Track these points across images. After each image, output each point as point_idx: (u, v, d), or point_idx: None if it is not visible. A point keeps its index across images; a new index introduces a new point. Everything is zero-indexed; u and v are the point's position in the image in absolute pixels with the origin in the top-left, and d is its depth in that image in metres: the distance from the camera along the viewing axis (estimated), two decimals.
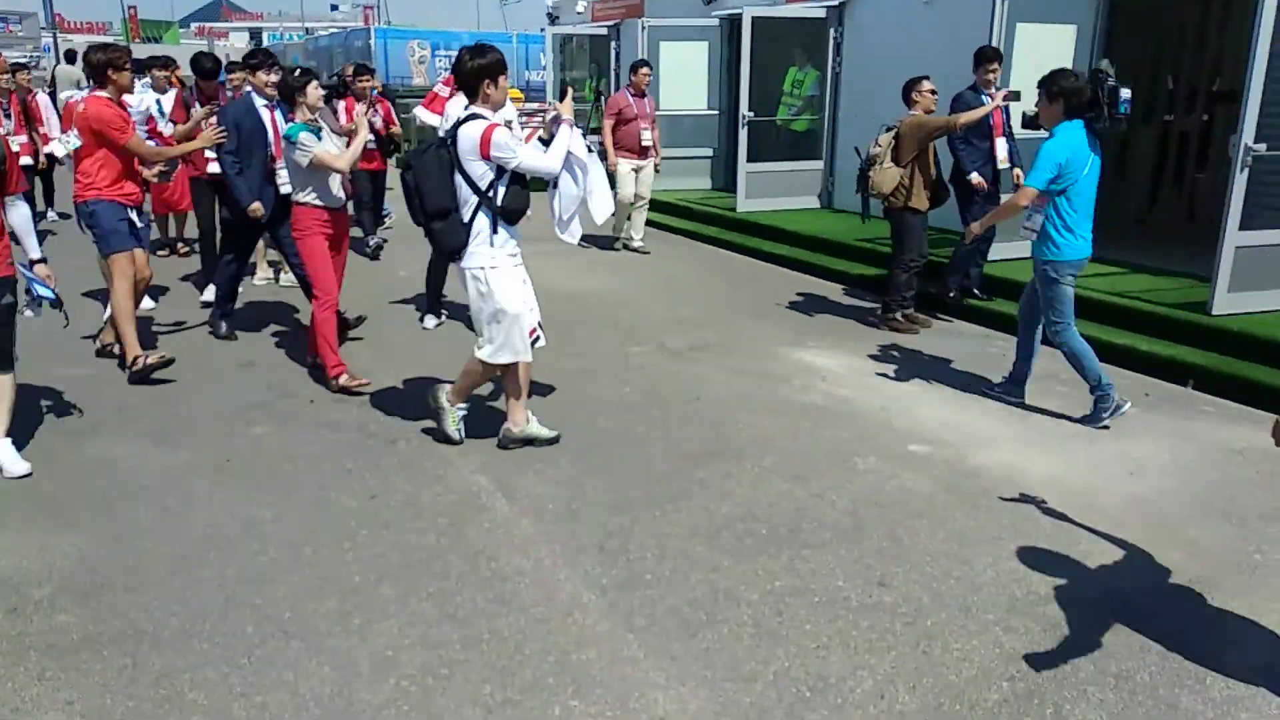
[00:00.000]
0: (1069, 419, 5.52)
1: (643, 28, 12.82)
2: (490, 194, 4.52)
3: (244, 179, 6.48)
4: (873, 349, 6.93)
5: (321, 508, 4.32)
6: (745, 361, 6.62)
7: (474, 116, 4.51)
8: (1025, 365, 5.75)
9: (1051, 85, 5.25)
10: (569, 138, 4.64)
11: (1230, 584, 3.75)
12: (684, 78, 13.09)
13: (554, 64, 16.29)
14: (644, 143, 10.12)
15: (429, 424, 5.13)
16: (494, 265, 4.60)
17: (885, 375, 6.36)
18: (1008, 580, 3.76)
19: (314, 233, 5.71)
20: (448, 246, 4.63)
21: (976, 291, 7.82)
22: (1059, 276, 5.32)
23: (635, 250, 10.50)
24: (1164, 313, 6.72)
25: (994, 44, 7.70)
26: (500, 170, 4.51)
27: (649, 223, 12.34)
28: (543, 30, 16.19)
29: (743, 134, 11.15)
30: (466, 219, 4.55)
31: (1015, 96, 6.89)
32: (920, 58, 9.60)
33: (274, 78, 6.52)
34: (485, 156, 4.45)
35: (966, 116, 6.89)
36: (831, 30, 11.19)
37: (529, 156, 4.55)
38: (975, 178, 7.28)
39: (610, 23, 15.46)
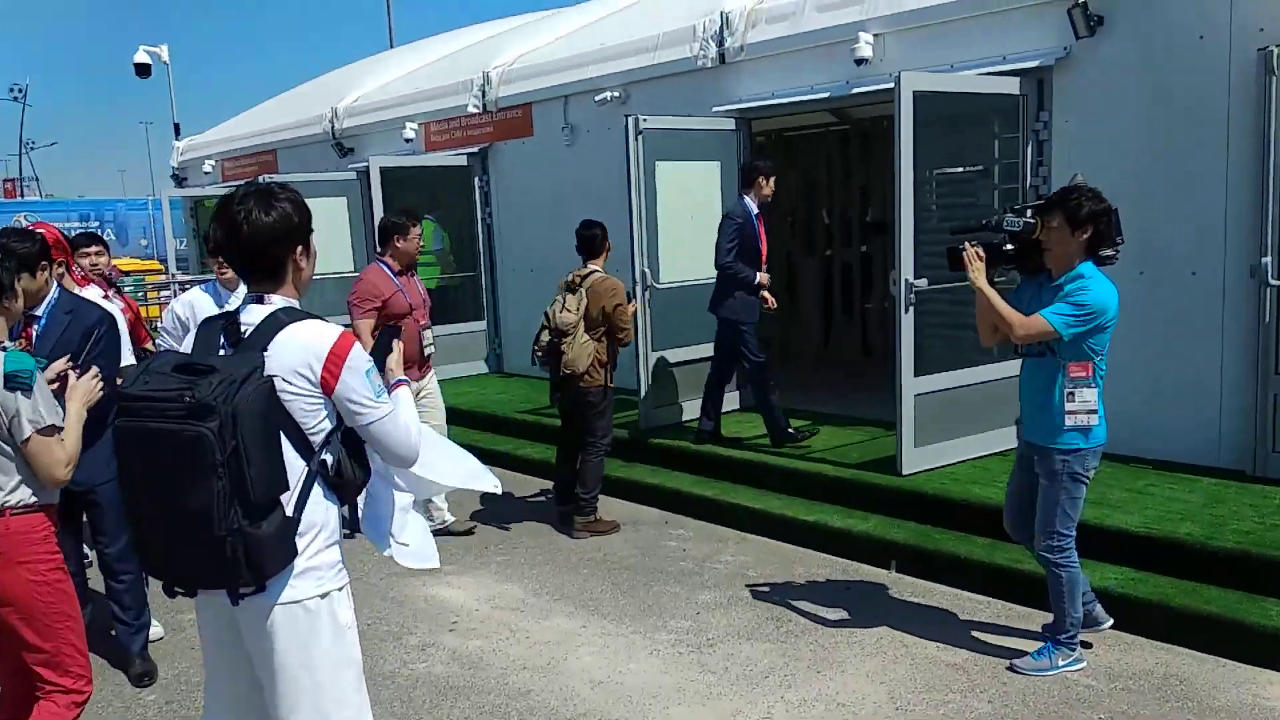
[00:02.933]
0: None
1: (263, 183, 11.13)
2: (323, 457, 2.36)
3: None
4: (529, 564, 5.45)
5: None
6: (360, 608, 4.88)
7: (291, 311, 2.34)
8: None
9: (1078, 205, 3.69)
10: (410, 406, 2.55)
11: None
12: (324, 238, 11.50)
13: (172, 232, 14.16)
14: (426, 348, 5.91)
15: None
16: (341, 585, 2.41)
17: (537, 607, 4.86)
18: None
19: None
20: (267, 571, 2.22)
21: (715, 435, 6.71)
22: (1084, 472, 3.87)
23: (459, 533, 6.07)
24: (852, 476, 5.78)
25: (634, 181, 6.80)
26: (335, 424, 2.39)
27: None
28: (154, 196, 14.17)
29: None
30: (292, 509, 2.28)
31: None
32: (571, 198, 8.72)
33: None
34: (329, 391, 2.31)
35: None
36: (476, 179, 10.12)
37: (405, 414, 2.45)
38: (762, 276, 6.43)
39: (241, 181, 13.65)
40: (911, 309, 5.55)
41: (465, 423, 8.51)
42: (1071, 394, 3.82)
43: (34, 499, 2.85)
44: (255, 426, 2.10)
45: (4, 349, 2.77)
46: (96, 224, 28.06)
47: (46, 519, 2.89)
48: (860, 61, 6.75)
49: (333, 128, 12.12)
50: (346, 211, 11.63)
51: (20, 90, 54.62)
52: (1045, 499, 3.92)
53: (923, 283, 5.55)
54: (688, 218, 7.21)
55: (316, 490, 2.30)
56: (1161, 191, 5.57)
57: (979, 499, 5.21)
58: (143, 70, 15.71)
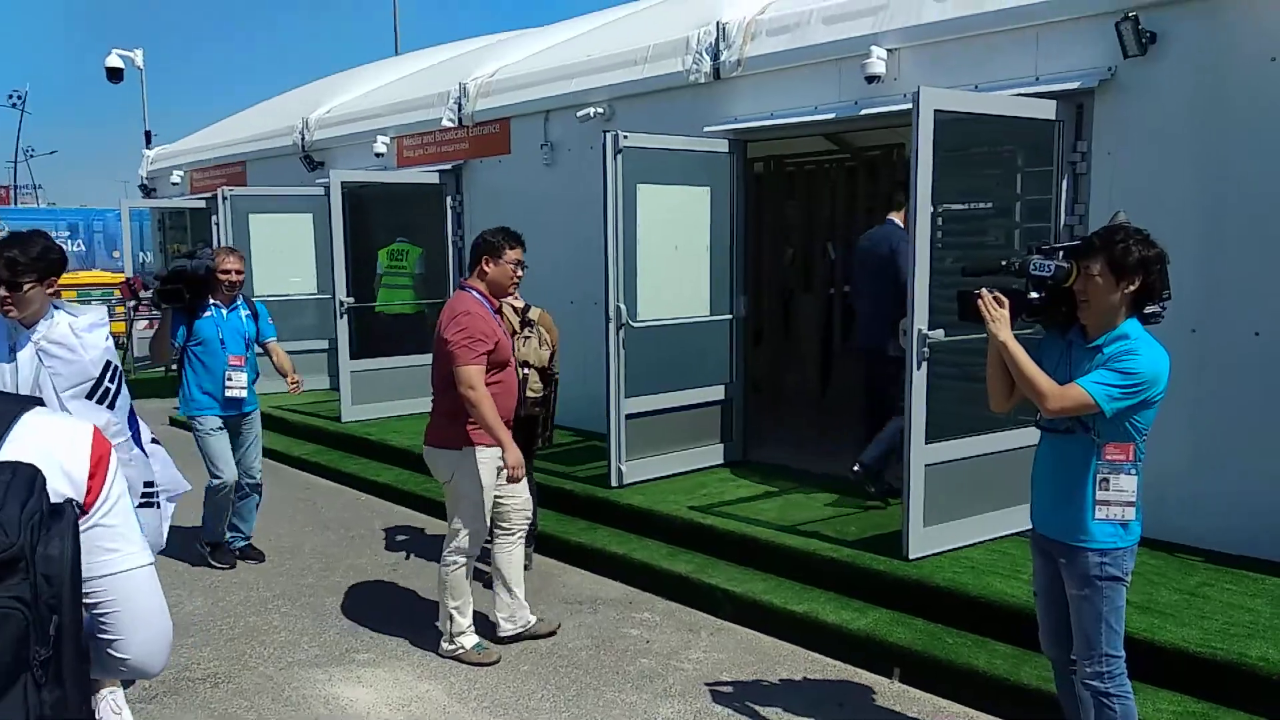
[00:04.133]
0: None
1: (223, 198, 10.35)
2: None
3: None
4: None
5: None
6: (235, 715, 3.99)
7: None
8: None
9: (1124, 250, 2.90)
10: None
11: None
12: (285, 257, 10.70)
13: (136, 243, 13.31)
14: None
15: None
16: None
17: (459, 718, 3.97)
18: None
19: None
20: None
21: None
22: (1126, 575, 3.04)
23: (543, 635, 4.83)
24: (849, 557, 4.90)
25: (611, 205, 5.99)
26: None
27: None
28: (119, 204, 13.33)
29: (341, 324, 8.83)
30: None
31: None
32: (549, 222, 7.91)
33: None
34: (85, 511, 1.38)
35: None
36: (449, 198, 9.31)
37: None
38: None
39: (207, 194, 12.86)
40: (925, 364, 4.71)
41: (421, 469, 7.65)
42: (1105, 481, 2.98)
43: None
44: (74, 590, 1.23)
45: None
46: (84, 234, 27.24)
47: None
48: (872, 79, 5.96)
49: (303, 140, 11.35)
50: (312, 229, 10.86)
51: (20, 97, 54.07)
52: (1083, 613, 3.05)
53: (938, 334, 4.71)
54: (671, 248, 6.40)
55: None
56: (1219, 237, 4.76)
57: (1000, 596, 4.34)
58: (114, 74, 14.96)
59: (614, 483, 6.25)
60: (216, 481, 5.58)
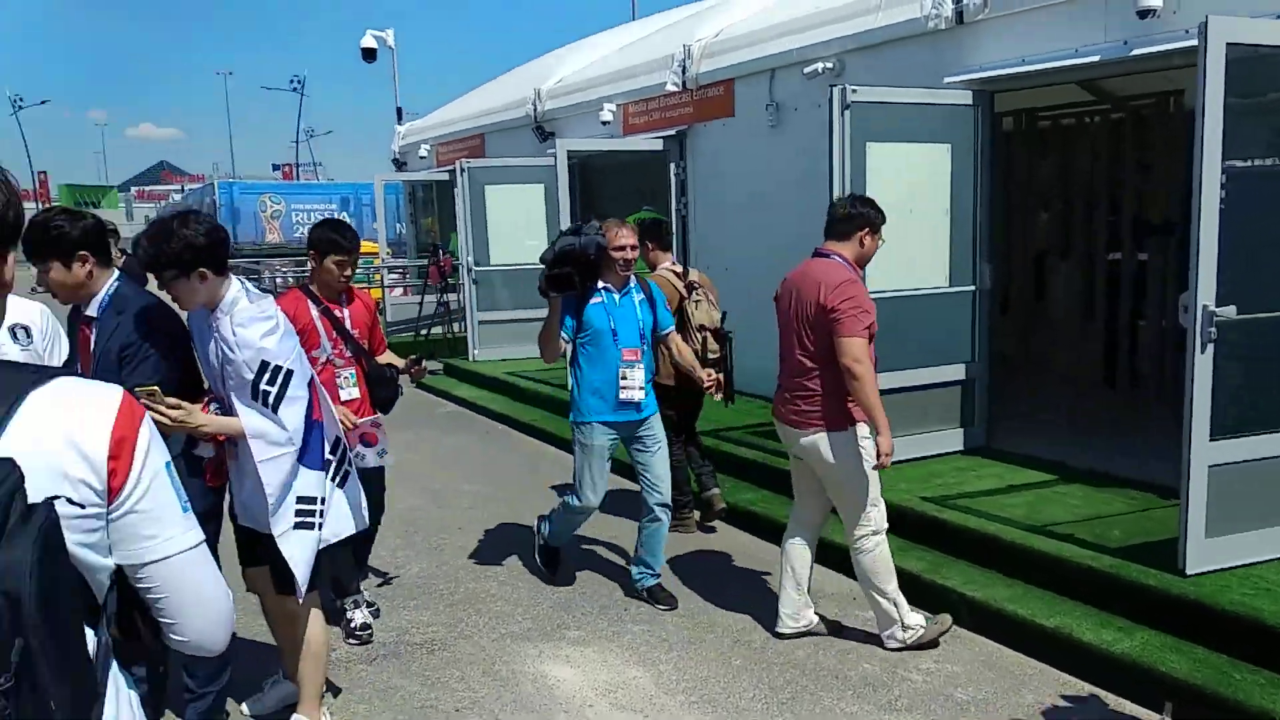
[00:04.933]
0: None
1: (462, 170, 10.70)
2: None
3: None
4: (671, 642, 4.38)
5: None
6: (440, 696, 4.01)
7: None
8: None
9: None
10: None
11: None
12: (519, 227, 10.95)
13: (392, 215, 14.12)
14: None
15: None
16: None
17: (667, 709, 3.78)
18: None
19: None
20: None
21: None
22: None
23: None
24: (1112, 567, 4.27)
25: (838, 165, 5.55)
26: None
27: (460, 401, 9.96)
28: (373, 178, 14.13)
29: None
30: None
31: None
32: (773, 186, 7.57)
33: None
34: (112, 500, 1.29)
35: None
36: (672, 164, 9.13)
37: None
38: None
39: (450, 167, 13.43)
40: (1210, 347, 4.00)
41: None
42: None
43: None
44: (43, 602, 1.07)
45: None
46: (354, 206, 29.02)
47: None
48: (1145, 13, 5.15)
49: (534, 111, 11.54)
50: (543, 200, 11.03)
51: (299, 81, 59.62)
52: None
53: (1229, 311, 3.98)
54: (905, 211, 5.85)
55: (115, 678, 1.27)
56: None
57: None
58: (368, 54, 15.92)
59: None
60: (578, 504, 4.78)
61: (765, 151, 7.96)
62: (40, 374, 1.22)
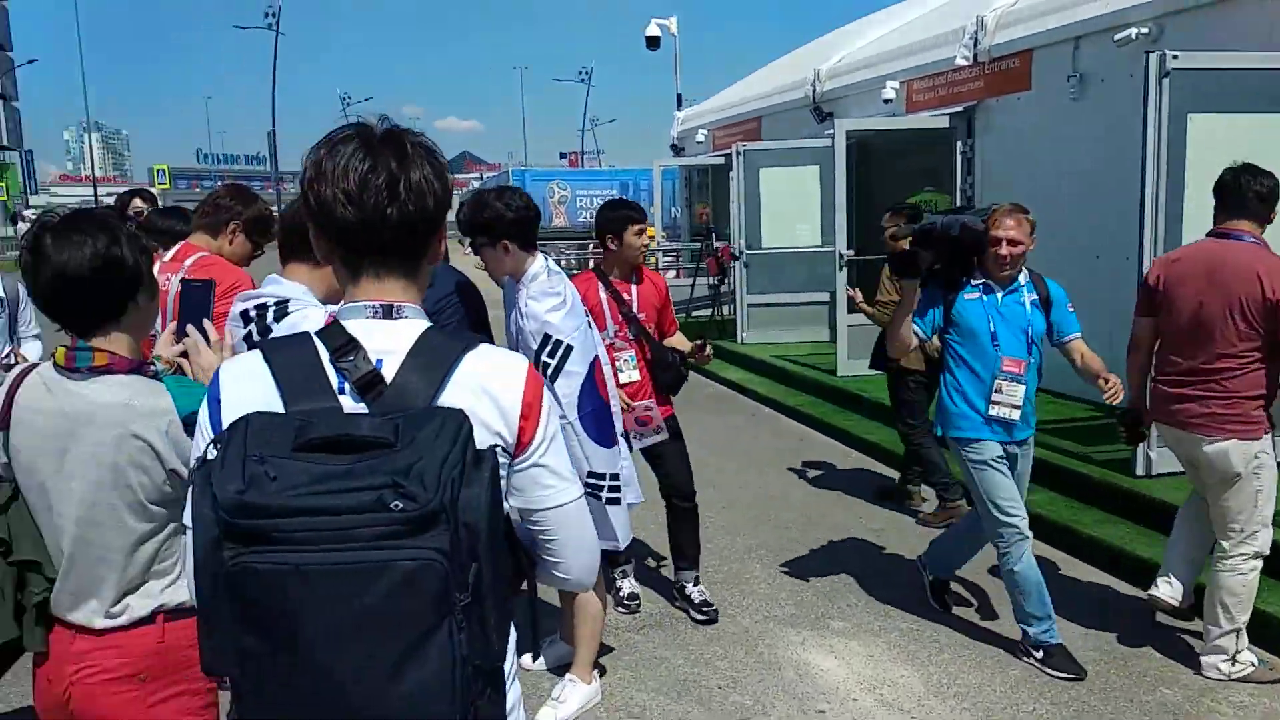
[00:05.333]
0: None
1: (737, 153, 10.77)
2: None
3: None
4: (943, 643, 4.20)
5: None
6: (703, 672, 4.08)
7: (443, 331, 1.52)
8: None
9: None
10: None
11: None
12: (793, 209, 10.87)
13: (668, 199, 14.47)
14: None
15: None
16: None
17: (936, 714, 3.63)
18: None
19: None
20: None
21: None
22: None
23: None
24: None
25: (1153, 138, 5.03)
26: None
27: (727, 383, 10.02)
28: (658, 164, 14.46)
29: (840, 277, 8.71)
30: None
31: None
32: (1074, 166, 7.02)
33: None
34: (520, 453, 1.43)
35: None
36: (958, 143, 8.67)
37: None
38: None
39: (726, 151, 13.56)
40: None
41: None
42: None
43: None
44: (491, 535, 1.23)
45: (157, 375, 1.89)
46: (631, 192, 29.92)
47: None
48: None
49: (813, 91, 11.39)
50: (818, 182, 10.88)
51: (586, 72, 62.66)
52: None
53: None
54: None
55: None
56: None
57: None
58: (652, 43, 16.38)
59: (1139, 471, 5.34)
60: (1009, 529, 3.85)
61: (1065, 126, 7.37)
62: (470, 341, 1.40)
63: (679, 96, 17.11)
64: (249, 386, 1.33)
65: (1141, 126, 5.06)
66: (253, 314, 2.34)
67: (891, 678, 3.91)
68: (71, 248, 1.79)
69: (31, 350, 4.20)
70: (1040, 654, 3.88)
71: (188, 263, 3.33)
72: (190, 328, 2.09)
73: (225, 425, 1.26)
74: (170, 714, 1.90)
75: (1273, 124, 5.25)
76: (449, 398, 1.31)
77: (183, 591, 1.88)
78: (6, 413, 1.88)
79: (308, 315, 2.24)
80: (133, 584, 1.87)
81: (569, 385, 3.24)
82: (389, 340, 1.34)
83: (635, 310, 4.32)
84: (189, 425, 1.76)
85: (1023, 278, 3.95)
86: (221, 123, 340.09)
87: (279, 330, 2.27)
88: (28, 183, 46.59)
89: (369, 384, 1.30)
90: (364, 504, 1.15)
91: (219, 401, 1.35)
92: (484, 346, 1.39)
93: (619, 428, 3.49)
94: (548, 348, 3.20)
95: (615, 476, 3.36)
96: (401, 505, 1.15)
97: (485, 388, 1.34)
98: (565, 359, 3.21)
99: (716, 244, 12.98)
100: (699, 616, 4.42)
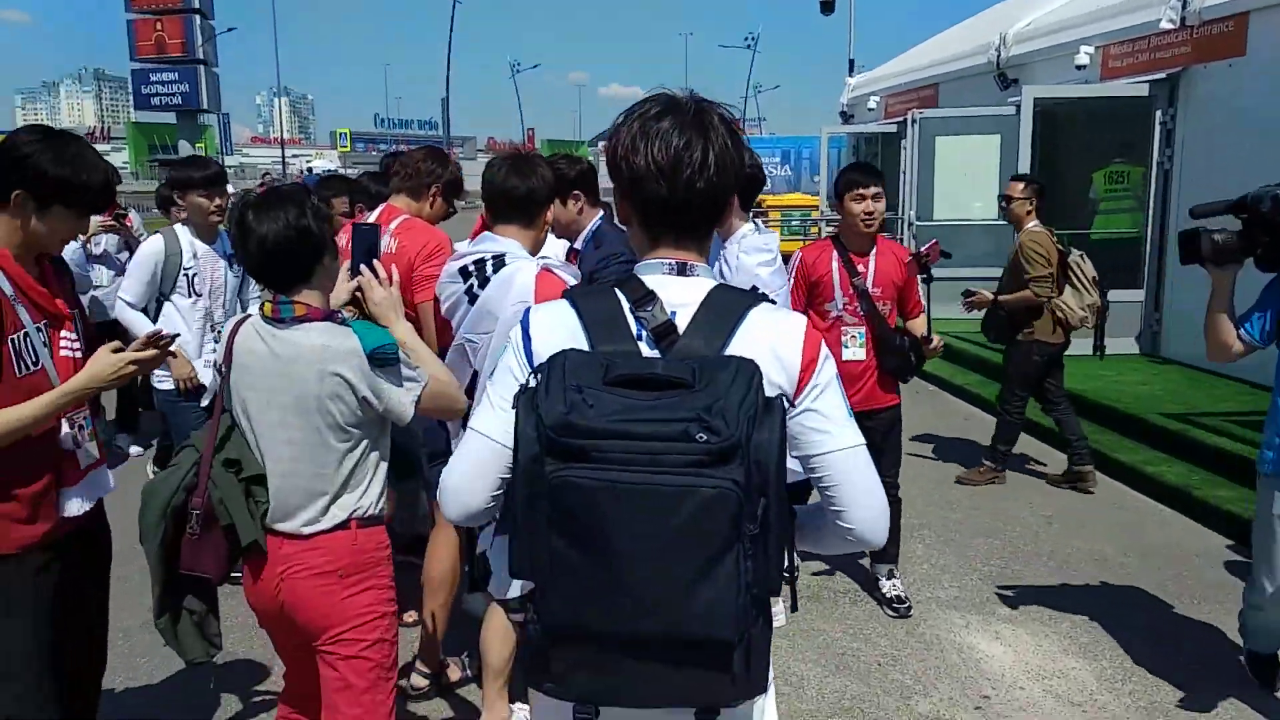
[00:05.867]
0: None
1: (912, 121, 10.40)
2: None
3: None
4: (1120, 629, 4.01)
5: None
6: (862, 648, 4.03)
7: (730, 290, 1.63)
8: None
9: None
10: None
11: None
12: (969, 180, 10.42)
13: (834, 168, 14.15)
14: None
15: None
16: None
17: (1109, 708, 3.47)
18: None
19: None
20: (763, 683, 1.52)
21: None
22: None
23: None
24: None
25: None
26: None
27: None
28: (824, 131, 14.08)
29: None
30: None
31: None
32: None
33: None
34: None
35: None
36: (1158, 112, 8.09)
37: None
38: None
39: (899, 119, 13.12)
40: None
41: (1090, 416, 6.95)
42: None
43: (381, 507, 2.29)
44: (779, 475, 1.34)
45: (344, 321, 2.22)
46: (793, 160, 29.30)
47: (386, 535, 2.33)
48: None
49: (998, 57, 10.86)
50: (999, 152, 10.40)
51: (753, 38, 61.91)
52: None
53: None
54: None
55: None
56: None
57: None
58: (826, 7, 15.97)
59: None
60: (1257, 596, 3.37)
61: None
62: (755, 298, 1.51)
63: (851, 62, 16.66)
64: (559, 328, 1.48)
65: None
66: (471, 269, 2.63)
67: (1062, 669, 3.75)
68: (269, 221, 2.13)
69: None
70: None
71: (392, 225, 3.48)
72: (363, 267, 2.37)
73: (538, 359, 1.43)
74: (363, 603, 2.23)
75: None
76: (736, 348, 1.43)
77: (370, 500, 2.24)
78: (228, 356, 2.23)
79: (520, 267, 2.61)
80: (334, 495, 2.20)
81: None
82: (683, 294, 1.48)
83: (870, 285, 4.04)
84: (373, 360, 2.12)
85: None
86: (398, 89, 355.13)
87: (497, 280, 2.61)
88: (224, 144, 49.97)
89: (664, 332, 1.44)
90: (673, 433, 1.28)
91: (529, 338, 1.49)
92: (766, 304, 1.51)
93: None
94: None
95: None
96: (705, 438, 1.27)
97: (770, 342, 1.46)
98: None
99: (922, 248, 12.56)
100: (890, 613, 4.21)
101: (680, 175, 1.42)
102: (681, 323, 1.45)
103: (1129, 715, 3.44)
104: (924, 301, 4.24)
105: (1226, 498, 5.28)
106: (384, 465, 2.29)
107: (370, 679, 2.24)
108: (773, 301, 1.55)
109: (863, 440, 1.50)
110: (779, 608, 3.79)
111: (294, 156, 47.13)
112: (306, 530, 2.20)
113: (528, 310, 1.55)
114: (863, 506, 1.49)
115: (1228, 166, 7.35)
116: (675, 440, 1.27)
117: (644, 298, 1.46)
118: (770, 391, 1.40)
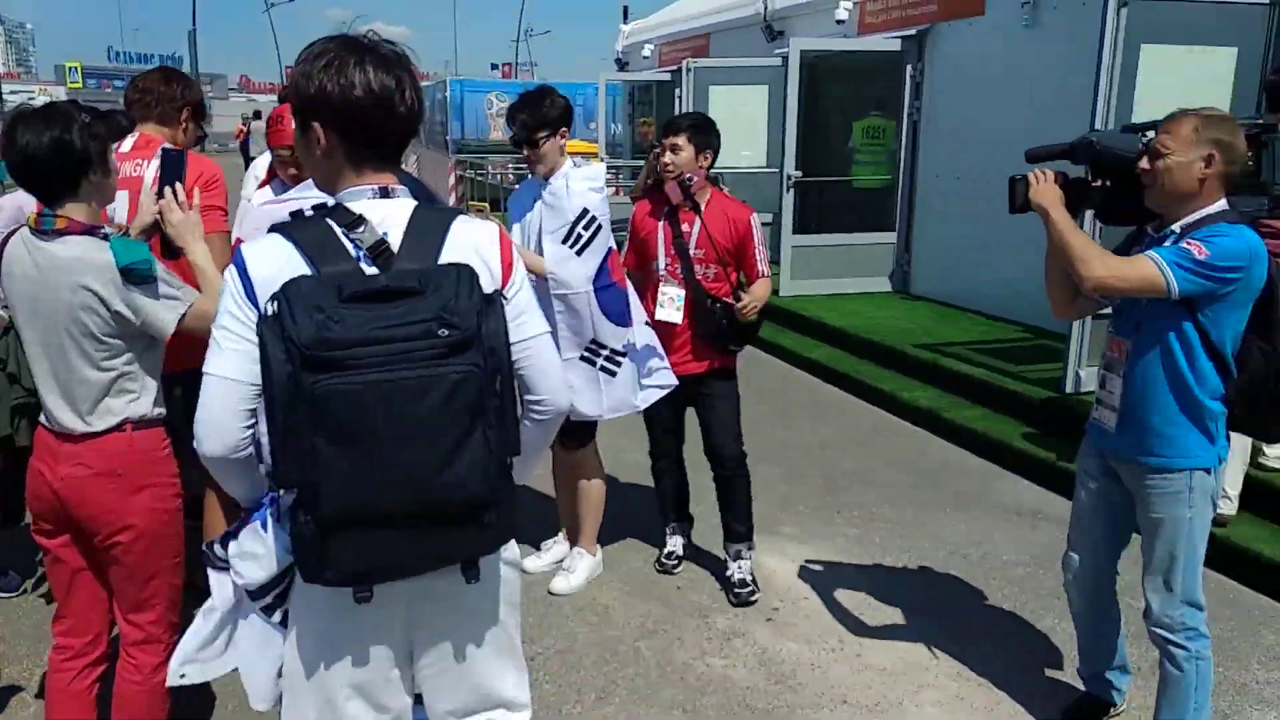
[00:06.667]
0: None
1: (687, 70, 10.65)
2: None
3: None
4: (885, 548, 4.42)
5: None
6: (672, 577, 4.23)
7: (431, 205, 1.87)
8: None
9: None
10: None
11: None
12: (739, 129, 10.82)
13: (610, 116, 14.28)
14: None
15: None
16: None
17: (881, 613, 3.84)
18: None
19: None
20: (513, 531, 1.83)
21: None
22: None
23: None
24: None
25: (1105, 71, 5.14)
26: None
27: None
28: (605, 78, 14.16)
29: (787, 199, 8.79)
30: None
31: None
32: (1023, 95, 7.14)
33: None
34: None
35: None
36: (909, 67, 8.72)
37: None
38: None
39: (673, 67, 13.38)
40: None
41: (851, 349, 7.51)
42: None
43: (157, 411, 2.39)
44: (508, 357, 1.63)
45: (106, 236, 2.28)
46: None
47: (166, 436, 2.43)
48: None
49: (765, 9, 11.27)
50: (766, 103, 10.84)
51: None
52: None
53: None
54: None
55: None
56: None
57: None
58: None
59: (1068, 388, 5.61)
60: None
61: (1016, 53, 7.47)
62: (453, 212, 1.74)
63: (625, 9, 16.76)
64: (275, 258, 1.60)
65: (1096, 56, 5.16)
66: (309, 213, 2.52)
67: (840, 576, 4.10)
68: (32, 133, 2.21)
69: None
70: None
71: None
72: (166, 190, 2.44)
73: (262, 293, 1.56)
74: (144, 502, 2.35)
75: (1209, 57, 5.43)
76: (447, 257, 1.64)
77: (144, 407, 2.36)
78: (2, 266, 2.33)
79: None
80: (98, 400, 2.30)
81: (593, 259, 3.50)
82: (390, 215, 1.66)
83: (692, 246, 3.74)
84: (126, 275, 2.21)
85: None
86: (135, 18, 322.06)
87: None
88: None
89: (380, 250, 1.61)
90: (418, 333, 1.49)
91: (245, 272, 1.61)
92: (463, 216, 1.72)
93: (637, 315, 3.63)
94: (583, 221, 3.47)
95: (617, 352, 3.58)
96: (447, 333, 1.50)
97: (475, 247, 1.69)
98: (595, 236, 3.47)
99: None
100: (732, 599, 3.89)
101: (395, 107, 1.63)
102: (394, 241, 1.63)
103: (896, 615, 3.82)
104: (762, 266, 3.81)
105: (970, 416, 5.89)
106: (157, 373, 2.39)
107: (155, 566, 2.39)
108: (599, 226, 1.75)
109: (549, 328, 1.82)
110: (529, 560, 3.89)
111: (12, 93, 41.69)
112: (80, 429, 2.30)
113: (239, 250, 1.66)
114: (550, 378, 1.80)
115: (968, 118, 8.07)
116: (421, 339, 1.49)
117: (355, 221, 1.62)
118: (486, 288, 1.62)
